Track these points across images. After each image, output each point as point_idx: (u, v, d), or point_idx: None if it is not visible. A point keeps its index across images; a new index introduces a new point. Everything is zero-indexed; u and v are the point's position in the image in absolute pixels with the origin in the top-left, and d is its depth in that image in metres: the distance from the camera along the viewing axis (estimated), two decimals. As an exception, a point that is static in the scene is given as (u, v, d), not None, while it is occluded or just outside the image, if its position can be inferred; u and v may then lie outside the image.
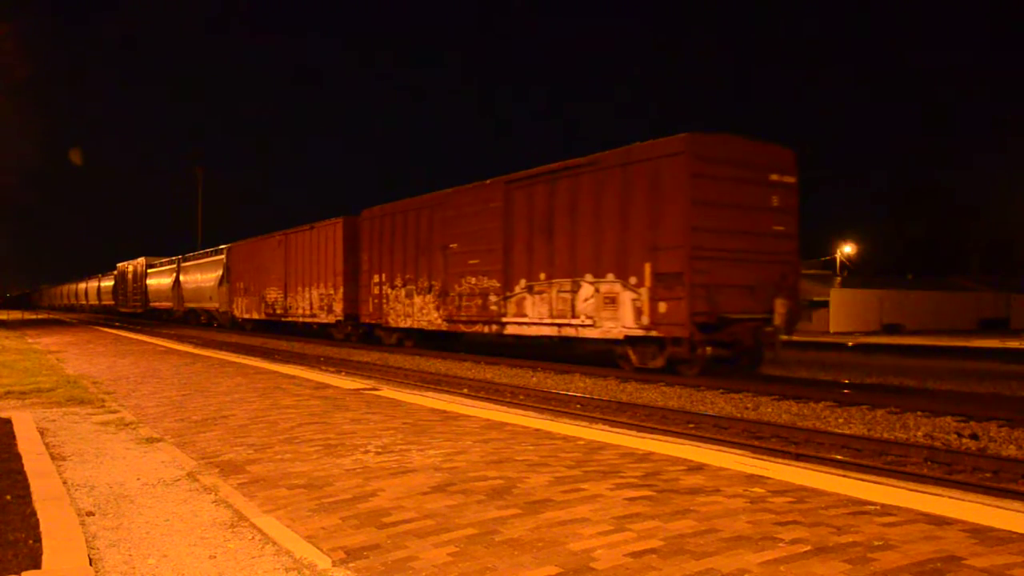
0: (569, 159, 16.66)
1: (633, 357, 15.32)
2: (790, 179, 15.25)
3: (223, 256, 38.97)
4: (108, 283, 68.97)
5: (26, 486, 4.78)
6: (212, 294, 40.29)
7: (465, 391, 13.21)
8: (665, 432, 8.33)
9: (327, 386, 10.75)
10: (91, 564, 3.44)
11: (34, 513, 4.15)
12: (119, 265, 63.17)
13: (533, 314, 17.33)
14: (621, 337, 15.21)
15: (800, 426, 9.60)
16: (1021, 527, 3.81)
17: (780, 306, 14.21)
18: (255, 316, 34.72)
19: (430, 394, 10.49)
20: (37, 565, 3.34)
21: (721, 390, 12.85)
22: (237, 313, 36.95)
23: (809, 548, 3.53)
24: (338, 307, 26.67)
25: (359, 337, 26.47)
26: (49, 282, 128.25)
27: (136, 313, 57.15)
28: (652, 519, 4.02)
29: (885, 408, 10.71)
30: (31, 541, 3.68)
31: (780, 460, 5.91)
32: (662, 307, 14.11)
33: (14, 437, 6.56)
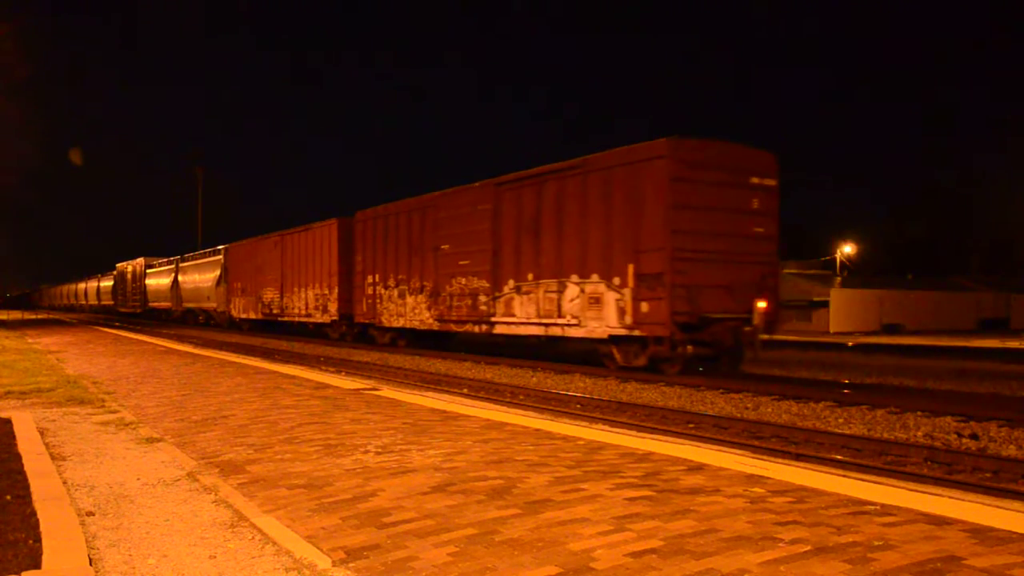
0: (556, 162, 17.07)
1: (617, 356, 15.65)
2: (770, 182, 15.55)
3: (221, 256, 39.25)
4: (107, 283, 69.12)
5: (26, 486, 4.78)
6: (210, 294, 40.55)
7: (465, 391, 13.21)
8: (665, 432, 8.33)
9: (327, 386, 10.75)
10: (91, 564, 3.44)
11: (34, 513, 4.15)
12: (118, 265, 63.33)
13: (521, 314, 17.66)
14: (605, 336, 15.53)
15: (800, 426, 9.60)
16: (1021, 527, 3.81)
17: (759, 306, 14.55)
18: (252, 316, 34.97)
19: (430, 394, 10.49)
20: (37, 565, 3.34)
21: (721, 390, 12.85)
22: (234, 313, 37.19)
23: (809, 548, 3.52)
24: (333, 307, 26.96)
25: (354, 336, 26.73)
26: (49, 282, 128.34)
27: (135, 313, 57.32)
28: (652, 519, 4.02)
29: (885, 408, 10.71)
30: (31, 541, 3.67)
31: (780, 460, 5.91)
32: (644, 307, 14.46)
33: (14, 437, 6.56)
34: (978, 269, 61.00)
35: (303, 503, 4.48)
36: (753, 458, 5.70)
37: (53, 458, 5.82)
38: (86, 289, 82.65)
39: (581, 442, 6.31)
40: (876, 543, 3.58)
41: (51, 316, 64.11)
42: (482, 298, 19.04)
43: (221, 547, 3.79)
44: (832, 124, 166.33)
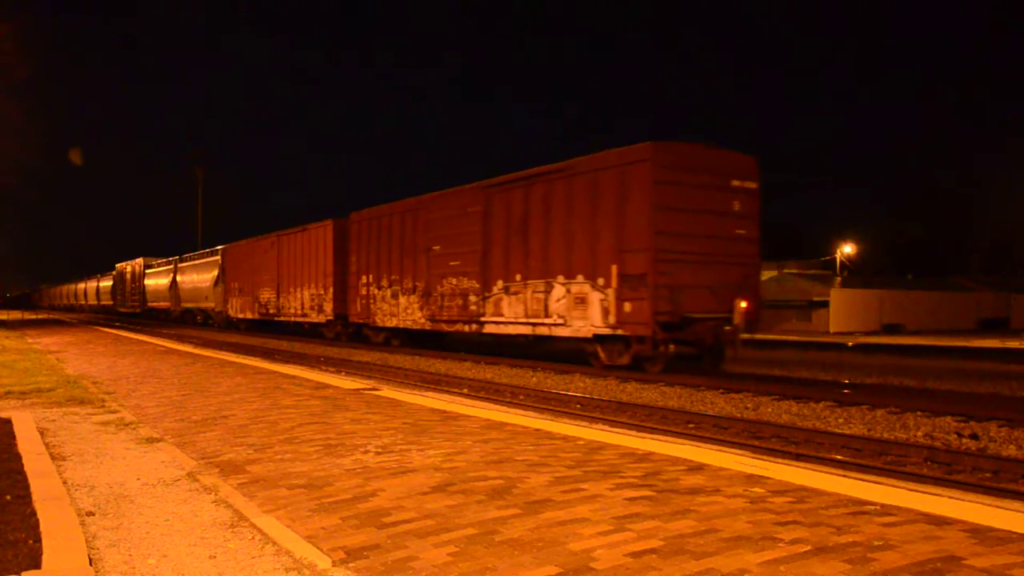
0: (544, 165, 17.43)
1: (602, 354, 15.99)
2: (752, 185, 15.86)
3: (218, 257, 39.53)
4: (107, 283, 69.24)
5: (26, 486, 4.78)
6: (208, 294, 40.81)
7: (465, 391, 13.22)
8: (665, 432, 8.33)
9: (327, 386, 10.75)
10: (91, 564, 3.44)
11: (34, 513, 4.15)
12: (118, 265, 63.46)
13: (510, 314, 18.02)
14: (590, 336, 15.89)
15: (800, 426, 9.60)
16: (1021, 527, 3.81)
17: (740, 306, 14.88)
18: (249, 316, 35.24)
19: (430, 394, 10.49)
20: (37, 565, 3.34)
21: (721, 390, 12.86)
22: (232, 313, 37.43)
23: (809, 548, 3.53)
24: (328, 307, 27.25)
25: (348, 336, 27.04)
26: (49, 282, 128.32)
27: (134, 313, 57.47)
28: (652, 519, 4.02)
29: (885, 408, 10.71)
30: (31, 541, 3.67)
31: (780, 460, 5.90)
32: (627, 307, 14.80)
33: (14, 437, 6.56)
34: (978, 269, 61.00)
35: (303, 503, 4.48)
36: (753, 458, 5.70)
37: (53, 458, 5.82)
38: (86, 289, 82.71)
39: (581, 442, 6.31)
40: (876, 543, 3.58)
41: (51, 316, 64.10)
42: (472, 298, 19.38)
43: (221, 547, 3.79)
44: (832, 124, 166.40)
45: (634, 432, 7.28)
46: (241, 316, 36.22)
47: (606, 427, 7.64)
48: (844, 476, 5.10)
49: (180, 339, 27.03)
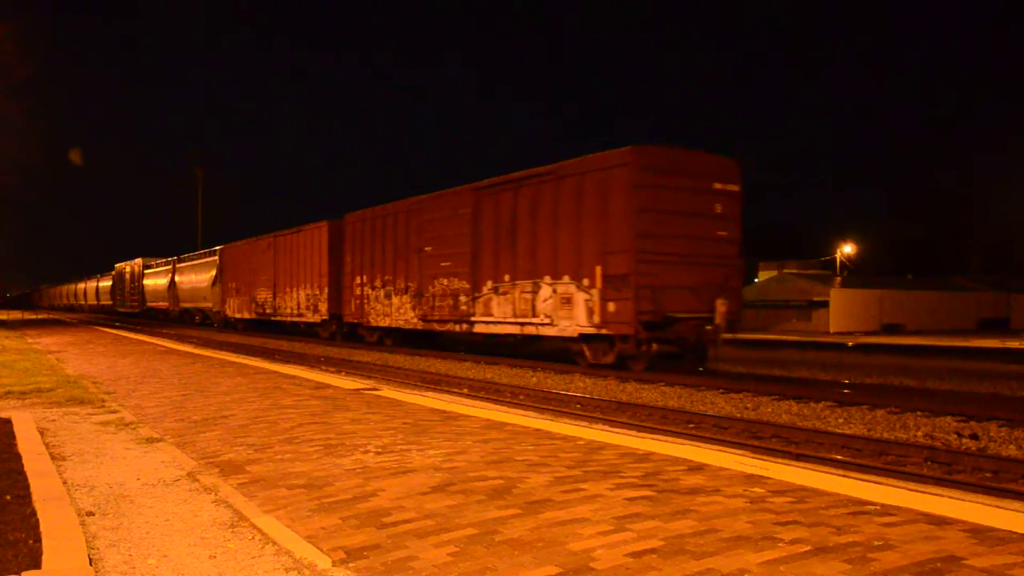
0: (533, 168, 17.79)
1: (587, 353, 16.34)
2: (733, 187, 16.20)
3: (216, 257, 39.80)
4: (106, 283, 69.33)
5: (26, 486, 4.78)
6: (206, 294, 41.05)
7: (465, 391, 13.22)
8: (665, 432, 8.33)
9: (327, 386, 10.75)
10: (91, 564, 3.44)
11: (34, 513, 4.15)
12: (117, 266, 63.58)
13: (498, 313, 18.36)
14: (576, 335, 16.25)
15: (800, 426, 9.60)
16: (1021, 527, 3.81)
17: (721, 306, 15.16)
18: (246, 315, 35.50)
19: (430, 394, 10.49)
20: (37, 565, 3.34)
21: (721, 390, 12.87)
22: (229, 313, 37.68)
23: (809, 548, 3.52)
24: (323, 307, 27.52)
25: (343, 336, 27.27)
26: (49, 282, 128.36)
27: (134, 313, 57.61)
28: (652, 519, 4.02)
29: (885, 408, 10.71)
30: (31, 541, 3.67)
31: (780, 460, 5.90)
32: (611, 307, 15.13)
33: (14, 437, 6.56)
34: (978, 269, 61.00)
35: (303, 503, 4.48)
36: (753, 458, 5.70)
37: (53, 458, 5.82)
38: (85, 289, 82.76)
39: (581, 442, 6.31)
40: (876, 543, 3.58)
41: (51, 316, 64.11)
42: (462, 298, 19.72)
43: (221, 547, 3.79)
44: (833, 124, 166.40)
45: (634, 432, 7.28)
46: (238, 316, 36.42)
47: (606, 427, 7.63)
48: (844, 476, 5.10)
49: (180, 339, 27.03)
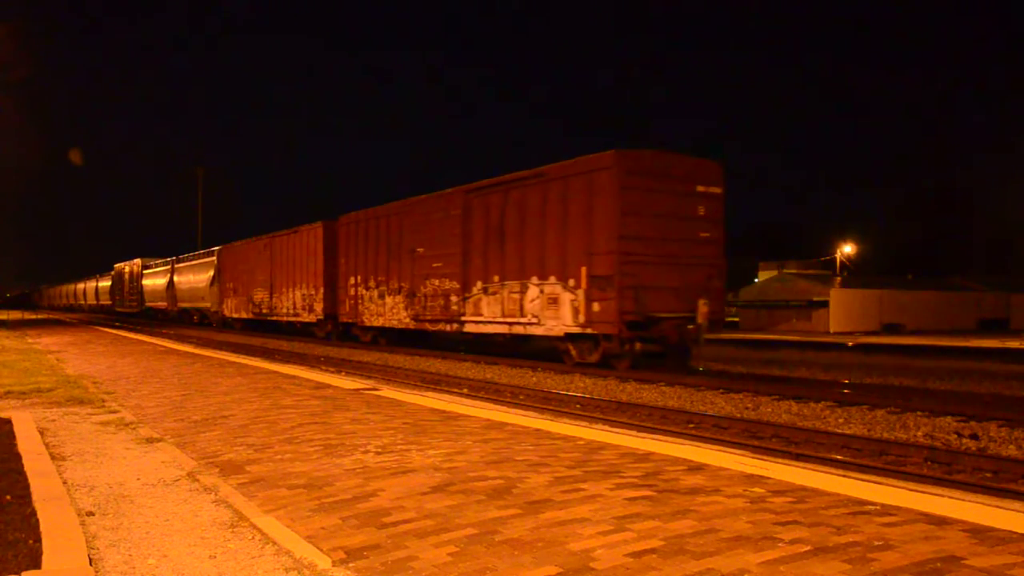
0: (523, 170, 18.13)
1: (573, 352, 16.69)
2: (716, 190, 16.50)
3: (214, 258, 40.06)
4: (106, 284, 69.42)
5: (26, 486, 4.78)
6: (204, 294, 41.29)
7: (465, 391, 13.22)
8: (665, 432, 8.33)
9: (327, 386, 10.75)
10: (91, 564, 3.44)
11: (34, 513, 4.15)
12: (116, 266, 63.64)
13: (488, 313, 18.68)
14: (562, 335, 16.60)
15: (800, 426, 9.60)
16: (1021, 527, 3.81)
17: (703, 306, 15.49)
18: (243, 315, 35.76)
19: (430, 394, 10.49)
20: (37, 565, 3.34)
21: (721, 390, 12.87)
22: (227, 313, 37.94)
23: (809, 548, 3.52)
24: (319, 307, 27.79)
25: (338, 335, 27.51)
26: (49, 282, 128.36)
27: (133, 313, 57.69)
28: (652, 519, 4.01)
29: (885, 408, 10.71)
30: (31, 541, 3.67)
31: (780, 460, 5.90)
32: (596, 307, 15.45)
33: (14, 437, 6.56)
34: (978, 269, 60.98)
35: (303, 503, 4.48)
36: (753, 458, 5.70)
37: (53, 458, 5.82)
38: (85, 289, 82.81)
39: (581, 442, 6.31)
40: (876, 543, 3.58)
41: (51, 316, 64.10)
42: (453, 298, 20.02)
43: (221, 547, 3.79)
44: (833, 124, 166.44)
45: (634, 432, 7.28)
46: (236, 316, 36.70)
47: (606, 427, 7.63)
48: (844, 476, 5.10)
49: (179, 339, 27.04)
